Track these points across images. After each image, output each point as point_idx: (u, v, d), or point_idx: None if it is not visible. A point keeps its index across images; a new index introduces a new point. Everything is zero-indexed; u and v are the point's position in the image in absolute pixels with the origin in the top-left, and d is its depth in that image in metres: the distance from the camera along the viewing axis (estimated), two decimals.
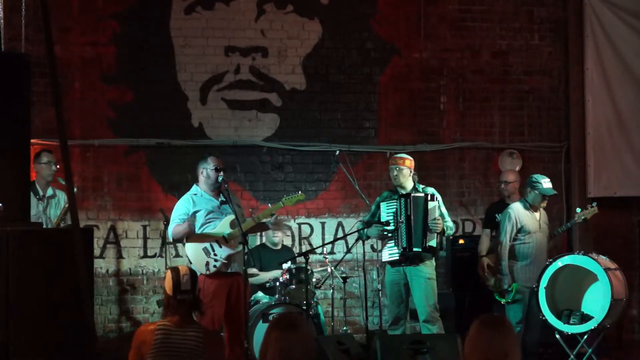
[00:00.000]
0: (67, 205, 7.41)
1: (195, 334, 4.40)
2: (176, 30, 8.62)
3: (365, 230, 7.25)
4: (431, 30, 9.08)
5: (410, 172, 7.24)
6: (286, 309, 7.32)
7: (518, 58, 9.26)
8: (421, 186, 7.26)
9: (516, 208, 7.55)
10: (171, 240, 7.02)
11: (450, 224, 7.29)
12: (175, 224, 6.82)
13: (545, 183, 7.50)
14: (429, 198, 7.10)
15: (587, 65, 9.12)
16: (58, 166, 7.52)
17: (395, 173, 7.25)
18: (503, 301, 7.52)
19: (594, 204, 7.77)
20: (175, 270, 4.52)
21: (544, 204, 7.58)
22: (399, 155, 7.41)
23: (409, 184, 7.25)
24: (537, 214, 7.56)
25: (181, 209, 6.87)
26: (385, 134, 8.98)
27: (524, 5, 9.29)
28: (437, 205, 7.13)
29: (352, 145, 8.81)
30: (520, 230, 7.48)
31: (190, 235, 6.80)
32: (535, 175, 7.61)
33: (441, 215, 7.16)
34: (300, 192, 7.20)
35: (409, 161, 7.26)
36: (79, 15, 8.44)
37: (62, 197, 7.63)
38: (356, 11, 8.96)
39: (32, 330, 4.81)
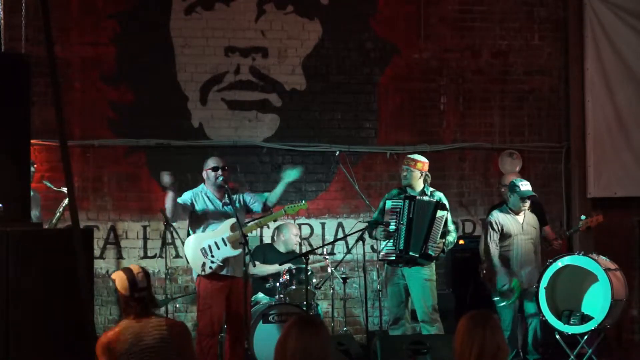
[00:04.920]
0: (60, 210, 7.35)
1: (157, 324, 4.41)
2: (176, 30, 8.62)
3: (372, 230, 7.23)
4: (431, 30, 9.08)
5: (422, 174, 7.19)
6: (287, 310, 7.32)
7: (518, 58, 9.25)
8: (430, 189, 7.22)
9: (495, 214, 7.60)
10: (169, 216, 6.96)
11: (451, 238, 7.17)
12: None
13: (523, 186, 7.52)
14: (439, 206, 7.02)
15: (587, 65, 9.12)
16: (35, 166, 7.45)
17: (404, 173, 7.22)
18: (507, 302, 7.40)
19: (599, 214, 7.86)
20: (128, 271, 4.55)
21: (526, 206, 7.56)
22: (412, 155, 7.34)
23: (418, 185, 7.21)
24: (519, 217, 7.56)
25: (185, 194, 6.93)
26: (385, 134, 8.97)
27: (524, 5, 9.28)
28: (445, 216, 7.05)
29: (352, 146, 8.81)
30: (501, 234, 7.49)
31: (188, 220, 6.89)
32: (514, 179, 7.69)
33: (445, 224, 7.06)
34: (303, 202, 7.27)
35: (421, 164, 7.19)
36: (79, 15, 8.44)
37: (38, 197, 7.50)
38: (356, 11, 8.95)
39: (32, 331, 4.81)
